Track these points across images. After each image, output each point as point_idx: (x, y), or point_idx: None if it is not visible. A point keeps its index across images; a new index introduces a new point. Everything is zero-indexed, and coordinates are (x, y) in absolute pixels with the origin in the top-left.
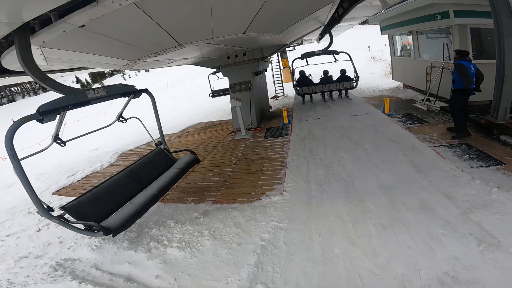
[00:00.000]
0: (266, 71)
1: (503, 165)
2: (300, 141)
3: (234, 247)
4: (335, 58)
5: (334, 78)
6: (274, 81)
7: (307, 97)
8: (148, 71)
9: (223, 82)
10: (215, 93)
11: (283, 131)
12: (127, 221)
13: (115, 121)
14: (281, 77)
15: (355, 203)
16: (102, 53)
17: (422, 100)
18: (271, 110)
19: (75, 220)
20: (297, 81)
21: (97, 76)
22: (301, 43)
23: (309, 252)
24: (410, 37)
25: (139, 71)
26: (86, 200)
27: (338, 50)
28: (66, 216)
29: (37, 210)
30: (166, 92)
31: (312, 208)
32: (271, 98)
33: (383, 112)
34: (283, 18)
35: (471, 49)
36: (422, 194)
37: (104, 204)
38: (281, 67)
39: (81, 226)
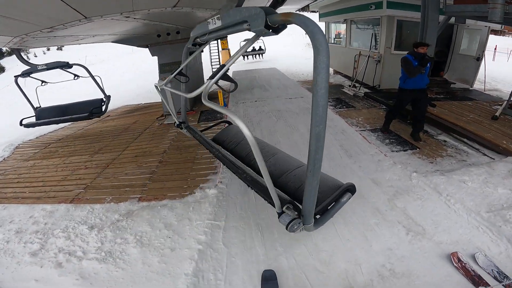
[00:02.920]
0: (202, 51)
1: (417, 149)
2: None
3: (167, 253)
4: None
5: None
6: (211, 62)
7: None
8: (61, 49)
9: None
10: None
11: (218, 114)
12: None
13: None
14: (219, 58)
15: None
16: None
17: (349, 85)
18: None
19: None
20: None
21: None
22: None
23: (251, 252)
24: (343, 26)
25: (48, 49)
26: None
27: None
28: None
29: None
30: (83, 71)
31: (250, 200)
32: (207, 79)
33: None
34: None
35: (395, 40)
36: (354, 179)
37: None
38: (220, 49)
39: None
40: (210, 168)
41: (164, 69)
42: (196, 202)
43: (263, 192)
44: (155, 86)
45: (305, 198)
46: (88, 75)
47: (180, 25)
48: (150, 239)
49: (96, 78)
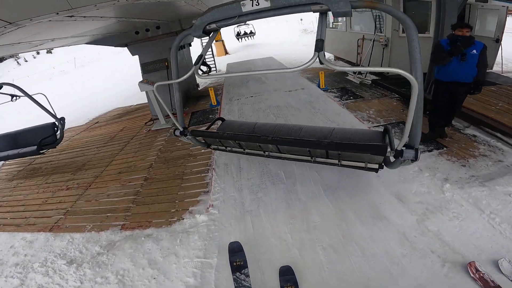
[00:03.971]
0: (190, 45)
1: (444, 148)
2: None
3: None
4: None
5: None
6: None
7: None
8: (51, 52)
9: None
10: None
11: (210, 116)
12: None
13: None
14: (212, 51)
15: (299, 217)
16: None
17: (354, 72)
18: (198, 88)
19: None
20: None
21: None
22: None
23: None
24: None
25: (38, 53)
26: None
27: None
28: None
29: None
30: (74, 74)
31: (247, 229)
32: (202, 73)
33: (318, 86)
34: None
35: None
36: (372, 195)
37: None
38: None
39: None
40: (200, 186)
41: (147, 68)
42: (184, 232)
43: (358, 148)
44: (151, 89)
45: (416, 130)
46: (22, 94)
47: (159, 20)
48: (133, 280)
49: (38, 96)
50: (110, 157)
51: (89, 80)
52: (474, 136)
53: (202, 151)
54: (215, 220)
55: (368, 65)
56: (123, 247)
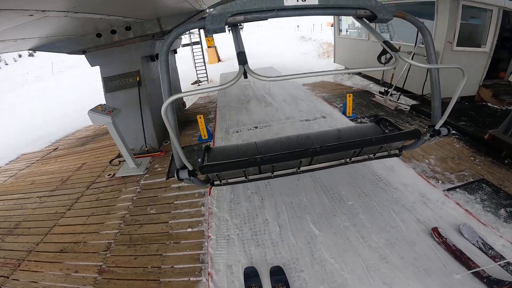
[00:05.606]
0: (175, 52)
1: None
2: (230, 189)
3: None
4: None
5: None
6: (195, 63)
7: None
8: (33, 55)
9: None
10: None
11: (199, 159)
12: None
13: None
14: (203, 58)
15: None
16: None
17: (381, 92)
18: (185, 108)
19: None
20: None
21: None
22: None
23: None
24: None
25: (20, 56)
26: None
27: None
28: None
29: None
30: (49, 82)
31: None
32: (192, 84)
33: (344, 113)
34: None
35: (457, 35)
36: None
37: None
38: (204, 47)
39: None
40: None
41: (111, 85)
42: None
43: (399, 138)
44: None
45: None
46: None
47: (131, 17)
48: None
49: None
50: (53, 219)
51: (65, 89)
52: None
53: (188, 230)
54: None
55: (403, 87)
56: None
